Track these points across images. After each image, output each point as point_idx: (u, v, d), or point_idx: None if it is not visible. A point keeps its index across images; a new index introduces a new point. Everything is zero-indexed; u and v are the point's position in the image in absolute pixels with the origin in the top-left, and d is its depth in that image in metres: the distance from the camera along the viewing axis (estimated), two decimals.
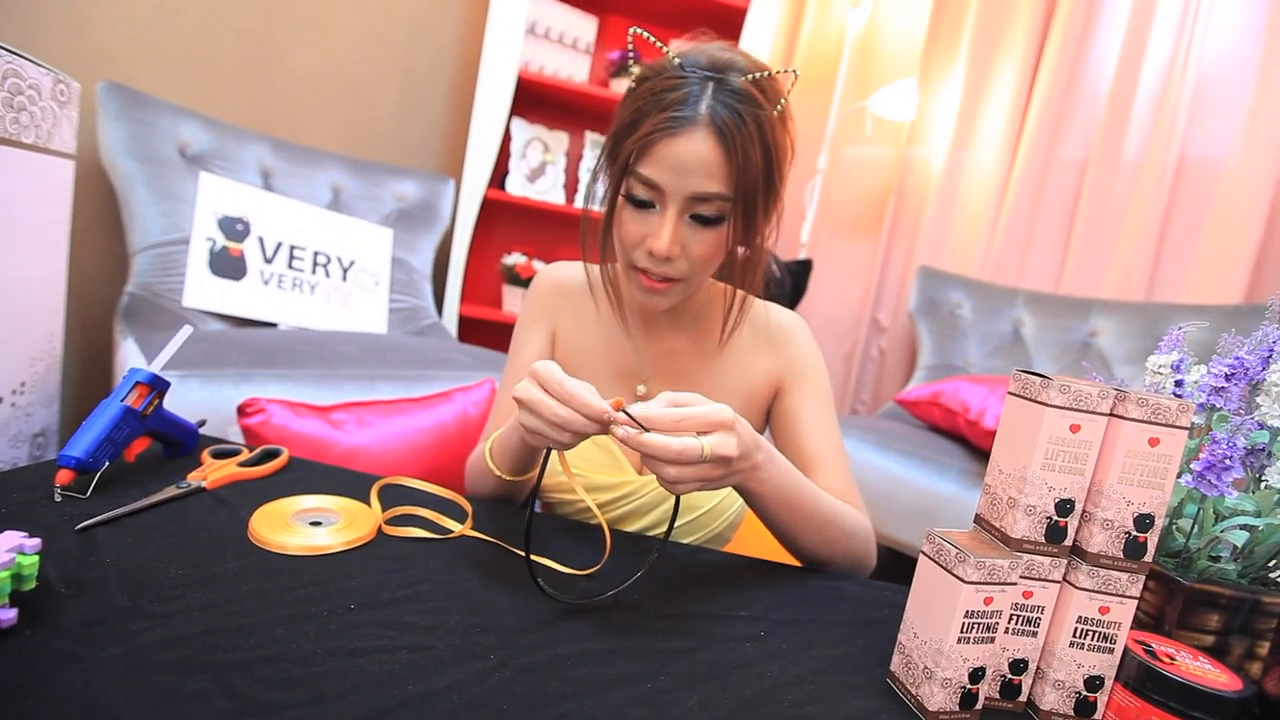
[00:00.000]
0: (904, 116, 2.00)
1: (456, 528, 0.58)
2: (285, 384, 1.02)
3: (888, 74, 2.08)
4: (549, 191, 2.05)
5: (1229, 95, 1.69)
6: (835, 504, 0.63)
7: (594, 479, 0.69)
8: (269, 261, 1.52)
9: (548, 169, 2.07)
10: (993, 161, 1.97)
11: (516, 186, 2.00)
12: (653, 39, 0.57)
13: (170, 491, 0.56)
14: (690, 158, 0.54)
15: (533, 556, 0.54)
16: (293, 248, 1.56)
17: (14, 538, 0.37)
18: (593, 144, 2.10)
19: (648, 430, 0.45)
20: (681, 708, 0.39)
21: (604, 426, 0.46)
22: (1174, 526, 0.49)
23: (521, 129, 2.02)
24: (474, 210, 1.91)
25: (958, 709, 0.42)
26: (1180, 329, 0.54)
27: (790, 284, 1.76)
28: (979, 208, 2.00)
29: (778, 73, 0.56)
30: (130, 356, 1.07)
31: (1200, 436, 0.49)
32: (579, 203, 2.04)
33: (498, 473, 0.62)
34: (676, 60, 0.56)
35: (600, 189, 0.62)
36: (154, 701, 0.33)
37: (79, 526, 0.47)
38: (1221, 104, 1.70)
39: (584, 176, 2.08)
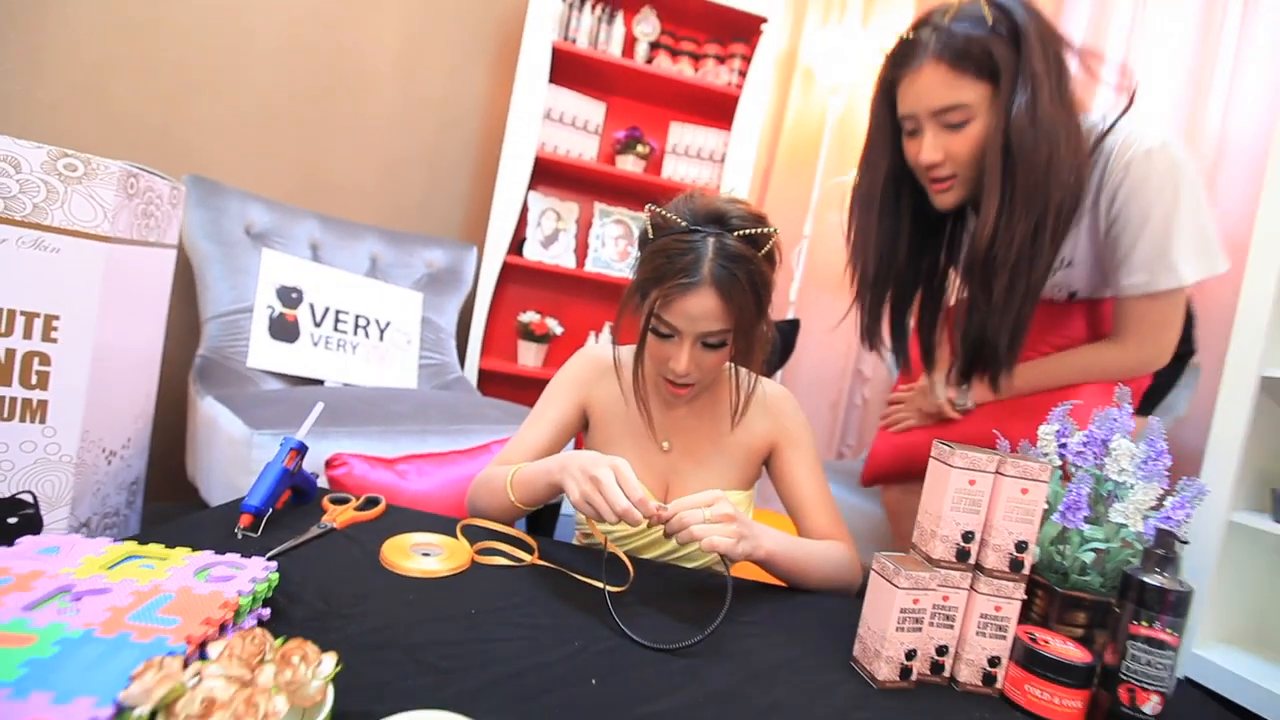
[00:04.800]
0: None
1: (527, 558, 0.76)
2: (354, 439, 1.20)
3: None
4: (561, 256, 2.27)
5: None
6: (821, 549, 0.82)
7: None
8: (318, 325, 1.71)
9: (560, 236, 2.30)
10: None
11: (532, 252, 2.22)
12: (665, 212, 0.77)
13: (315, 531, 0.74)
14: (699, 310, 0.75)
15: (599, 583, 0.72)
16: (338, 312, 1.76)
17: (261, 561, 0.56)
18: (600, 213, 2.34)
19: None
20: (709, 673, 0.57)
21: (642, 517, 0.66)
22: (1055, 550, 0.68)
23: (537, 200, 2.25)
24: (494, 274, 2.12)
25: (898, 679, 0.60)
26: (1062, 408, 0.74)
27: (780, 342, 1.97)
28: None
29: (762, 232, 0.76)
30: (218, 414, 1.25)
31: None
32: (589, 266, 2.26)
33: (514, 500, 0.79)
34: (684, 223, 0.76)
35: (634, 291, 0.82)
36: (378, 667, 0.50)
37: (269, 555, 0.65)
38: None
39: (593, 243, 2.31)
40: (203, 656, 0.44)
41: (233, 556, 0.56)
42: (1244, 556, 1.51)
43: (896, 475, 1.19)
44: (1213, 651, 1.47)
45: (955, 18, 0.83)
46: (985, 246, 0.87)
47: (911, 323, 1.13)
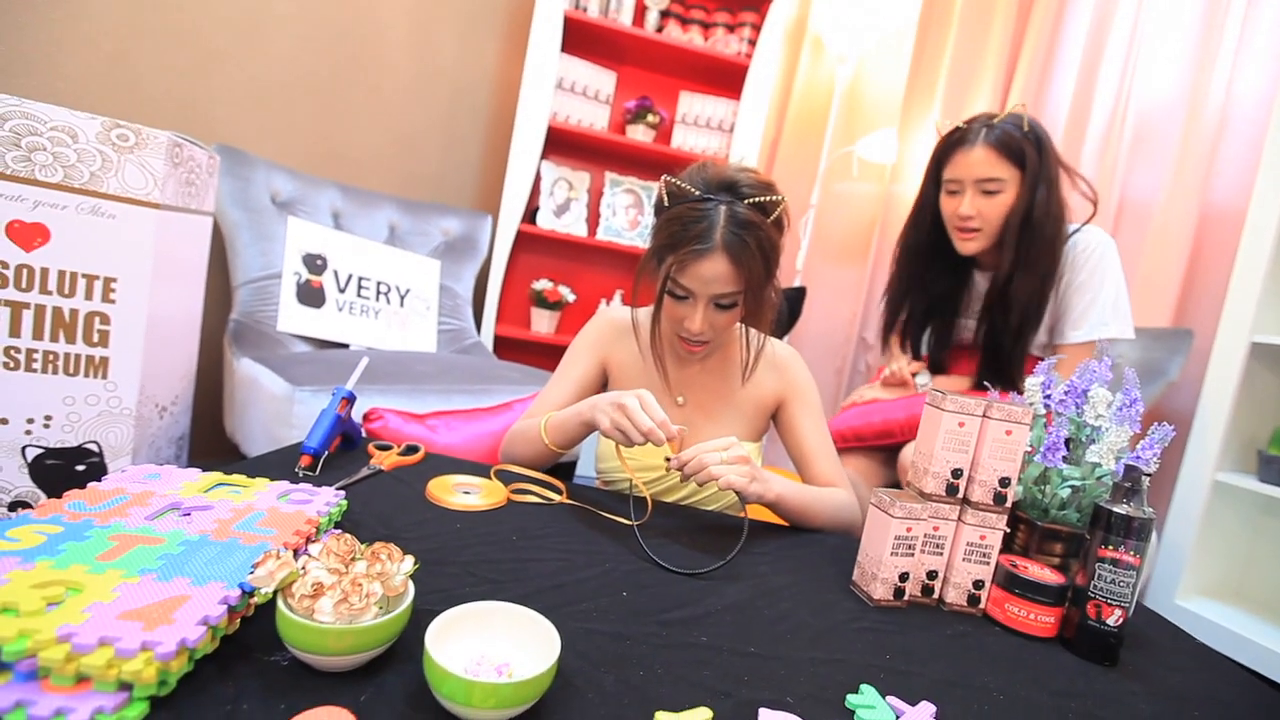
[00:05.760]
0: (886, 160, 2.28)
1: (556, 497, 0.84)
2: (386, 396, 1.27)
3: (872, 123, 2.37)
4: (573, 225, 2.31)
5: (1160, 143, 1.97)
6: (825, 493, 0.89)
7: (645, 461, 0.95)
8: (342, 291, 1.78)
9: (572, 205, 2.34)
10: None
11: (545, 221, 2.26)
12: (679, 181, 0.82)
13: (365, 472, 0.81)
14: (712, 274, 0.80)
15: (632, 523, 0.79)
16: (360, 279, 1.83)
17: (331, 490, 0.63)
18: (611, 182, 2.38)
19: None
20: (724, 590, 0.65)
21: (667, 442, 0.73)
22: (1037, 490, 0.75)
23: (550, 170, 2.29)
24: (509, 242, 2.17)
25: (892, 599, 0.68)
26: (1048, 361, 0.80)
27: (787, 308, 2.03)
28: None
29: (771, 199, 0.81)
30: (258, 374, 1.32)
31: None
32: (601, 235, 2.31)
33: (548, 443, 0.86)
34: (697, 191, 0.81)
35: (651, 263, 0.88)
36: (439, 578, 0.58)
37: (336, 486, 0.73)
38: (1153, 150, 1.98)
39: (604, 211, 2.35)
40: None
41: (306, 486, 0.63)
42: (1228, 514, 1.58)
43: (854, 438, 1.37)
44: (1194, 603, 1.56)
45: (1003, 121, 1.18)
46: (1003, 285, 1.21)
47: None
